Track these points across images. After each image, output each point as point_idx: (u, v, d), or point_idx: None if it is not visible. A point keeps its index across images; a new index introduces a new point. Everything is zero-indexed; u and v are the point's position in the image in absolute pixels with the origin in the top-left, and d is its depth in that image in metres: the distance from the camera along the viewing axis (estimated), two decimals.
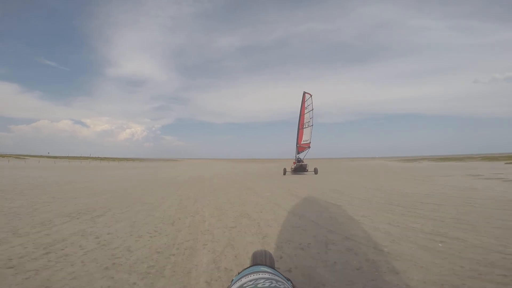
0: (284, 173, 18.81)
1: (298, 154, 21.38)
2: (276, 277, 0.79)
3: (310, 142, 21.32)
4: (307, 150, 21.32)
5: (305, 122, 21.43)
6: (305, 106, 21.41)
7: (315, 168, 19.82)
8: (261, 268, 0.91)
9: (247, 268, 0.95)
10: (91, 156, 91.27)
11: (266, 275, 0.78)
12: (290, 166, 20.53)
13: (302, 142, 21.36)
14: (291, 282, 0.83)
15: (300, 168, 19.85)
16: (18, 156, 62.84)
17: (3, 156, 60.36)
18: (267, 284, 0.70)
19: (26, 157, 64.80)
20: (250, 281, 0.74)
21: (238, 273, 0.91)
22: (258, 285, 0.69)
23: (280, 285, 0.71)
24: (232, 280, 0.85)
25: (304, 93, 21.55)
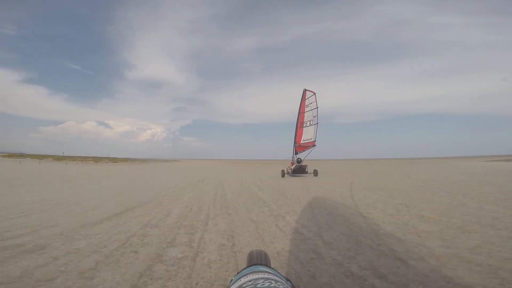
0: (283, 175, 18.21)
1: (296, 154, 20.55)
2: (275, 277, 0.77)
3: (314, 140, 20.35)
4: (311, 149, 20.41)
5: (305, 120, 20.43)
6: (306, 104, 20.36)
7: (314, 170, 18.97)
8: (260, 268, 0.89)
9: (245, 268, 0.93)
10: (108, 156, 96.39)
11: (265, 275, 0.77)
12: (288, 167, 19.83)
13: (302, 141, 20.46)
14: (290, 282, 0.81)
15: (299, 169, 19.09)
16: (10, 155, 60.08)
17: None
18: (266, 284, 0.68)
19: (23, 157, 60.82)
20: (249, 281, 0.73)
21: (237, 273, 0.89)
22: (258, 285, 0.68)
23: (279, 285, 0.69)
24: (231, 280, 0.84)
25: (305, 90, 20.47)
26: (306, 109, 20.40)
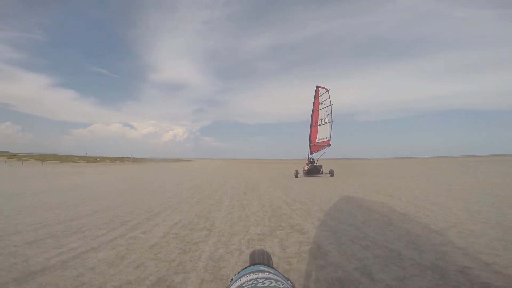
0: (296, 175, 17.50)
1: (311, 154, 19.70)
2: (276, 277, 0.76)
3: (329, 140, 19.40)
4: (325, 148, 19.48)
5: (320, 118, 19.59)
6: (319, 101, 19.55)
7: (330, 170, 18.04)
8: (261, 267, 0.87)
9: (246, 267, 0.91)
10: (132, 156, 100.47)
11: (266, 275, 0.76)
12: (302, 167, 19.06)
13: (317, 141, 19.60)
14: (290, 281, 0.81)
15: (314, 169, 18.27)
16: (11, 157, 52.50)
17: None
18: (266, 284, 0.68)
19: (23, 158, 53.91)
20: (250, 280, 0.72)
21: (237, 273, 0.87)
22: (258, 285, 0.68)
23: (279, 284, 0.69)
24: (231, 279, 0.83)
25: (317, 87, 19.71)
26: (320, 107, 19.60)
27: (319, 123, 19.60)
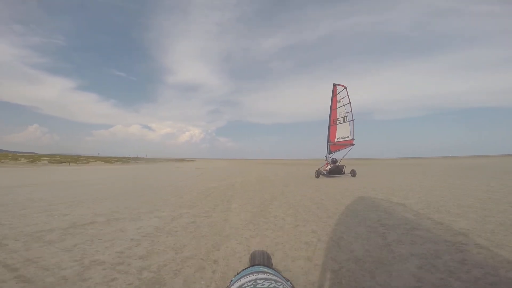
0: (318, 176, 16.94)
1: (330, 153, 19.02)
2: (275, 278, 0.77)
3: (352, 139, 18.63)
4: (349, 148, 18.70)
5: (338, 117, 18.96)
6: (337, 99, 18.98)
7: (352, 170, 17.28)
8: (260, 268, 0.88)
9: (246, 268, 0.93)
10: (146, 157, 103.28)
11: (265, 275, 0.77)
12: (322, 167, 18.42)
13: (336, 140, 18.93)
14: (290, 282, 0.82)
15: (336, 170, 17.57)
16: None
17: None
18: (266, 285, 0.68)
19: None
20: (249, 281, 0.73)
21: (237, 273, 0.88)
22: (257, 286, 0.68)
23: (279, 285, 0.69)
24: (231, 280, 0.84)
25: (335, 85, 19.16)
26: (338, 105, 19.00)
27: (337, 122, 18.95)
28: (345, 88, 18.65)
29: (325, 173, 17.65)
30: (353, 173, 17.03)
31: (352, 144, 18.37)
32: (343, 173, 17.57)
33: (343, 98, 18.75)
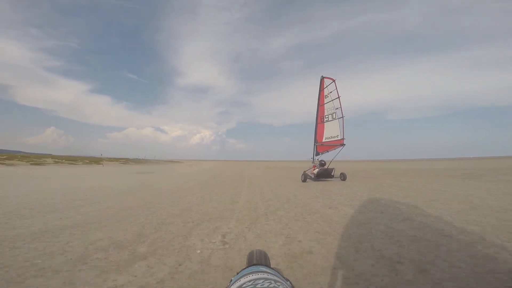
0: (305, 180, 14.97)
1: (317, 155, 17.06)
2: (275, 277, 0.76)
3: (342, 139, 16.65)
4: (339, 149, 16.74)
5: (326, 114, 16.99)
6: (325, 94, 17.02)
7: (342, 173, 15.30)
8: (260, 268, 0.88)
9: (245, 268, 0.92)
10: (155, 158, 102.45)
11: (265, 275, 0.76)
12: (309, 169, 16.47)
13: (324, 140, 16.96)
14: (289, 282, 0.81)
15: (324, 173, 15.60)
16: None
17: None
18: (266, 284, 0.68)
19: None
20: (249, 281, 0.72)
21: (237, 273, 0.87)
22: (257, 285, 0.67)
23: (278, 285, 0.68)
24: (231, 280, 0.82)
25: (322, 78, 17.20)
26: (325, 100, 17.03)
27: (325, 119, 16.98)
28: (334, 81, 16.68)
29: (313, 176, 15.70)
30: (343, 177, 15.05)
31: (343, 145, 16.38)
32: (332, 176, 15.59)
33: (331, 92, 16.77)
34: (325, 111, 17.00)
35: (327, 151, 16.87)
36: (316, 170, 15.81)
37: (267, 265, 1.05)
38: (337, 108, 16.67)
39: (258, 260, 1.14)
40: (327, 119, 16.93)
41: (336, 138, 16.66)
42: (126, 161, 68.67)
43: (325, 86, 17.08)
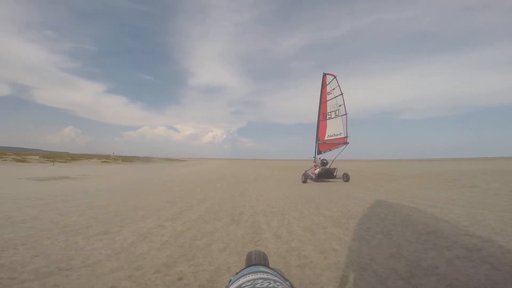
0: (305, 181, 14.39)
1: (319, 153, 16.43)
2: (275, 277, 0.75)
3: (346, 137, 15.98)
4: (342, 147, 16.10)
5: (329, 111, 16.35)
6: (328, 91, 16.38)
7: (345, 174, 14.66)
8: (260, 268, 0.86)
9: (245, 268, 0.91)
10: (166, 157, 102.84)
11: (264, 275, 0.75)
12: (310, 169, 15.87)
13: (326, 138, 16.32)
14: (289, 282, 0.79)
15: (326, 173, 14.98)
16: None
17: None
18: (265, 284, 0.67)
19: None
20: (249, 281, 0.71)
21: (236, 273, 0.84)
22: (257, 285, 0.66)
23: (278, 285, 0.68)
24: (230, 280, 0.80)
25: (324, 75, 16.61)
26: (328, 97, 16.41)
27: (327, 116, 16.35)
28: (335, 77, 16.02)
29: (314, 177, 15.10)
30: (346, 177, 14.42)
31: (346, 143, 15.73)
32: (335, 177, 14.98)
33: (333, 89, 16.13)
34: (328, 108, 16.39)
35: (330, 150, 16.23)
36: (317, 170, 15.21)
37: (266, 265, 1.03)
38: (340, 105, 16.03)
39: (257, 260, 1.13)
40: (329, 116, 16.31)
41: (339, 136, 16.01)
42: (106, 158, 62.92)
43: (327, 82, 16.45)
